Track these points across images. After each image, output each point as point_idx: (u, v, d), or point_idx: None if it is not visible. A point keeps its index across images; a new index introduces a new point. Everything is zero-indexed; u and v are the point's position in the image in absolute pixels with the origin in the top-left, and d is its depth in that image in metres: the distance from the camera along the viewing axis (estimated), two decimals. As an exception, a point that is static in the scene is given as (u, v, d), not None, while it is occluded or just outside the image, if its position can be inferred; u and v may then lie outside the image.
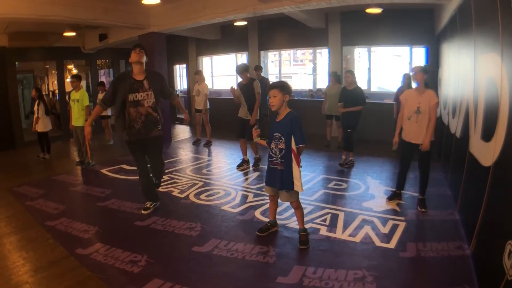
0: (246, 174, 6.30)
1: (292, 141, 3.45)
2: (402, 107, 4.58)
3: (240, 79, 6.50)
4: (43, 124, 7.90)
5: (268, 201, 4.08)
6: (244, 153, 6.75)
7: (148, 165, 4.68)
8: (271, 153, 3.59)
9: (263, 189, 4.62)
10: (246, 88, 6.38)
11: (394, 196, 4.78)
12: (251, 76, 6.72)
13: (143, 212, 4.63)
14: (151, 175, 4.74)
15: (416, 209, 4.48)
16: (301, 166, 3.53)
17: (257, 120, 6.33)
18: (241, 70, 6.42)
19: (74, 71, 14.04)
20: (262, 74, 9.10)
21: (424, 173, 4.51)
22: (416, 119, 4.36)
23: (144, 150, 4.51)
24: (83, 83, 13.69)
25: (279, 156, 3.51)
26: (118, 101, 4.26)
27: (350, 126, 6.43)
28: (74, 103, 7.06)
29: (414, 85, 4.66)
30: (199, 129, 9.37)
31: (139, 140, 4.39)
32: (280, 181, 3.54)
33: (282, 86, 3.54)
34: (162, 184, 5.60)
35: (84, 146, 7.03)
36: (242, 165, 6.69)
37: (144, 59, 4.33)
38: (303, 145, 3.47)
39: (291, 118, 3.49)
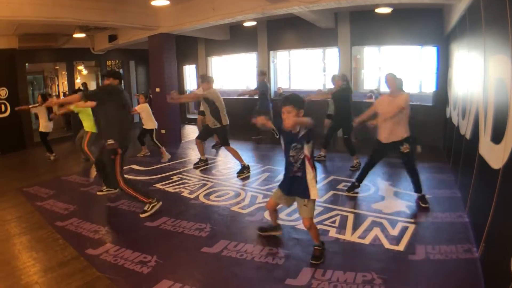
0: (255, 175, 6.29)
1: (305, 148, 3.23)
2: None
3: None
4: (45, 125, 8.19)
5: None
6: (202, 154, 7.09)
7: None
8: (291, 161, 3.31)
9: (272, 190, 4.62)
10: (207, 98, 6.66)
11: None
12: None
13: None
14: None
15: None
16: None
17: (224, 127, 6.57)
18: (202, 79, 6.72)
19: (84, 72, 14.19)
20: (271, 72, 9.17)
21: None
22: None
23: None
24: (93, 83, 13.89)
25: (299, 164, 3.28)
26: None
27: (344, 132, 6.69)
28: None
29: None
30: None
31: None
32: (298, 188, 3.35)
33: (296, 101, 3.19)
34: (172, 184, 5.81)
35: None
36: (199, 164, 7.08)
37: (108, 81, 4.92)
38: None
39: (309, 133, 3.18)
